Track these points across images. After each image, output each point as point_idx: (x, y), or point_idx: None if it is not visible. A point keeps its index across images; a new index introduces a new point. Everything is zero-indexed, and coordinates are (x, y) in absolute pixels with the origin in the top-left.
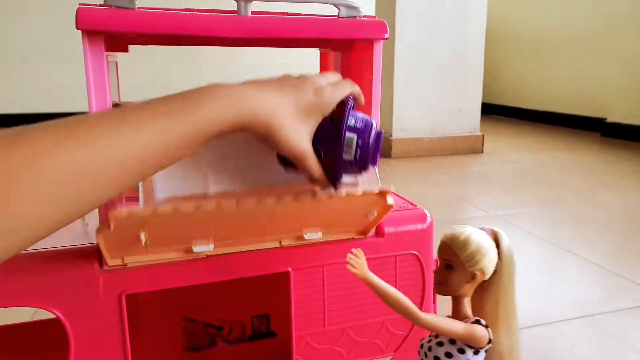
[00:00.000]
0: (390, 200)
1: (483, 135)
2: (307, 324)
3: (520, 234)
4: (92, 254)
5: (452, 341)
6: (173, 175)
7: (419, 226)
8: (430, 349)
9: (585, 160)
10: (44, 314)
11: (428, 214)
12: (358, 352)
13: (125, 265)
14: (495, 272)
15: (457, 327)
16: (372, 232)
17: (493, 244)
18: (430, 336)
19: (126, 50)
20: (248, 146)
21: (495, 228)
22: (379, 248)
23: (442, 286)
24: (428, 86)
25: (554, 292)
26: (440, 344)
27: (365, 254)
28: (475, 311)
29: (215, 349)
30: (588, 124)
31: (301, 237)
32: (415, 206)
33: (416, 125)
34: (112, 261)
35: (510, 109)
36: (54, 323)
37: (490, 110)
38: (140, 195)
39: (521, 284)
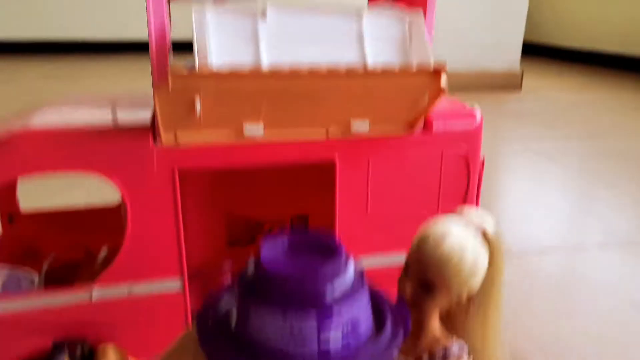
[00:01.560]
0: (443, 81)
1: (522, 71)
2: (350, 216)
3: (554, 167)
4: (146, 131)
5: None
6: (228, 43)
7: (469, 125)
8: None
9: (628, 99)
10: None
11: (478, 112)
12: (397, 245)
13: (178, 143)
14: (486, 286)
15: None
16: (420, 128)
17: (484, 250)
18: None
19: None
20: (307, 23)
21: (479, 218)
22: (426, 144)
23: (415, 310)
24: (467, 18)
25: (587, 221)
26: None
27: (411, 150)
28: (455, 330)
29: (255, 246)
30: (634, 64)
31: (348, 129)
32: (464, 105)
33: (452, 57)
34: (165, 136)
35: (553, 50)
36: (106, 210)
37: (532, 51)
38: (195, 58)
39: (556, 211)
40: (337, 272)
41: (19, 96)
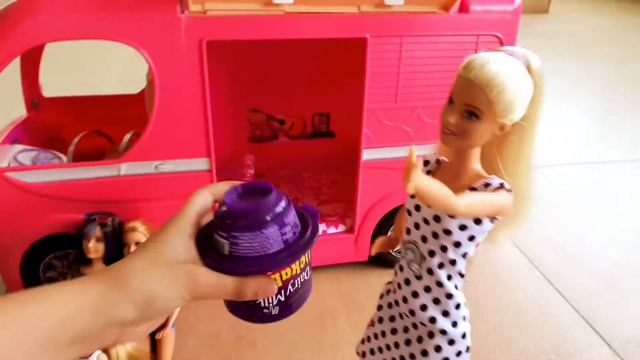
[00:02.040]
0: None
1: None
2: (379, 98)
3: (575, 86)
4: (174, 0)
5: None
6: None
7: (507, 7)
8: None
9: None
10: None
11: None
12: (425, 134)
13: (206, 12)
14: (529, 117)
15: (488, 208)
16: (456, 7)
17: (529, 78)
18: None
19: None
20: None
21: (524, 52)
22: (462, 25)
23: (457, 138)
24: None
25: (608, 136)
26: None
27: (446, 30)
28: (488, 163)
29: (276, 142)
30: None
31: (382, 4)
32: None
33: None
34: (193, 5)
35: None
36: (128, 99)
37: None
38: None
39: (576, 128)
40: (279, 199)
41: None
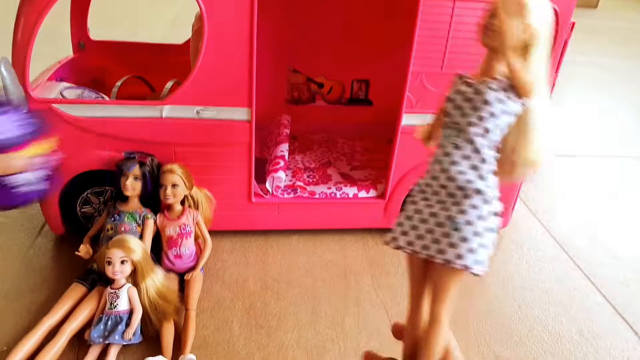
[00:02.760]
0: None
1: None
2: (425, 62)
3: (616, 80)
4: None
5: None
6: None
7: None
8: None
9: None
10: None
11: None
12: None
13: None
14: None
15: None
16: None
17: (548, 5)
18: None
19: None
20: None
21: None
22: None
23: (490, 35)
24: None
25: None
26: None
27: None
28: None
29: (313, 106)
30: None
31: None
32: None
33: None
34: None
35: None
36: (171, 49)
37: None
38: None
39: (610, 119)
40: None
41: None
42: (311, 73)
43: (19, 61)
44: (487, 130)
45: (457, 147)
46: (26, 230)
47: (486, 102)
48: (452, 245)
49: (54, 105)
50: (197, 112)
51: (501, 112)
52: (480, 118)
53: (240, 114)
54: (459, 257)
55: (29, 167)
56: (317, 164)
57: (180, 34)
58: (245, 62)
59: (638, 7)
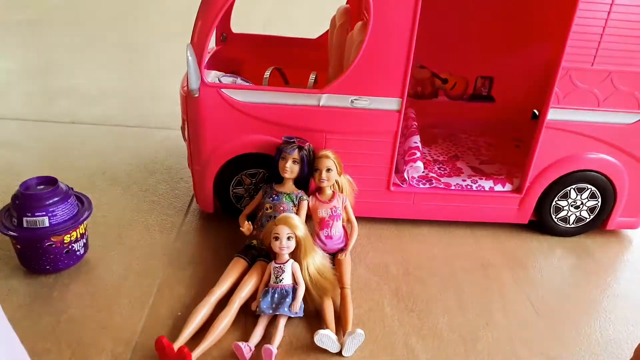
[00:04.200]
0: None
1: None
2: (577, 58)
3: None
4: None
5: None
6: None
7: None
8: None
9: None
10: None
11: None
12: (614, 101)
13: None
14: None
15: None
16: None
17: None
18: None
19: None
20: None
21: None
22: None
23: None
24: None
25: None
26: None
27: None
28: None
29: (435, 101)
30: None
31: None
32: None
33: None
34: None
35: None
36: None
37: None
38: None
39: None
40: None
41: None
42: (437, 68)
43: (199, 49)
44: None
45: None
46: (175, 208)
47: None
48: None
49: (222, 90)
50: (352, 102)
51: None
52: None
53: (391, 103)
54: None
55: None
56: (445, 156)
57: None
58: (404, 54)
59: None
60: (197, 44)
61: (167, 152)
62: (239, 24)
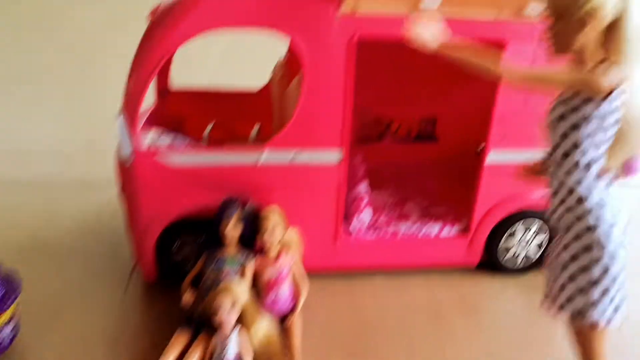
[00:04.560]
0: None
1: None
2: (510, 101)
3: None
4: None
5: (570, 102)
6: None
7: None
8: (553, 126)
9: None
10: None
11: None
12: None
13: (357, 12)
14: (620, 10)
15: (564, 73)
16: None
17: None
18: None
19: None
20: None
21: None
22: None
23: (555, 42)
24: None
25: None
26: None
27: None
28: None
29: (382, 143)
30: None
31: (521, 12)
32: None
33: None
34: (346, 4)
35: None
36: (249, 95)
37: None
38: None
39: None
40: None
41: None
42: (380, 112)
43: (131, 113)
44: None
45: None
46: (116, 279)
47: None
48: None
49: (157, 154)
50: (292, 157)
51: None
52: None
53: (333, 155)
54: None
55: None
56: (393, 200)
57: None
58: (341, 105)
59: None
60: (129, 108)
61: (113, 213)
62: (183, 77)
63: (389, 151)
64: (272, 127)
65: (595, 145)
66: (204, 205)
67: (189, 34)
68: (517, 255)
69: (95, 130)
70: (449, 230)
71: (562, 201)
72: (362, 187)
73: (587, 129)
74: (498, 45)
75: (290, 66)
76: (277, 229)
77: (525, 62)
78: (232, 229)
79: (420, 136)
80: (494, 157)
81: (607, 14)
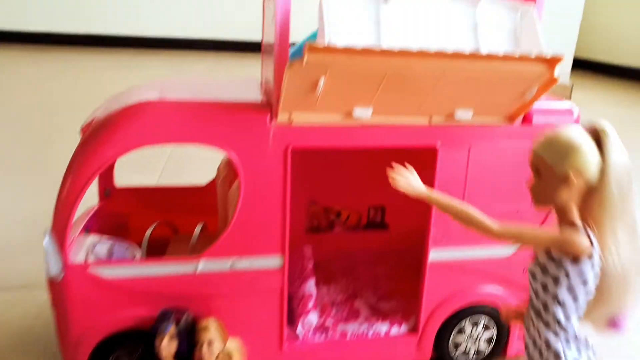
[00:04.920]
0: (557, 72)
1: (572, 84)
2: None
3: None
4: (263, 110)
5: (550, 255)
6: (351, 25)
7: (567, 118)
8: (534, 275)
9: None
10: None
11: (576, 108)
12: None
13: (292, 122)
14: (600, 175)
15: (540, 232)
16: (520, 120)
17: (590, 141)
18: (532, 260)
19: None
20: (426, 9)
21: (599, 123)
22: (525, 135)
23: (535, 196)
24: None
25: None
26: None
27: (510, 139)
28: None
29: (332, 233)
30: None
31: (451, 117)
32: (562, 101)
33: None
34: (281, 115)
35: (604, 66)
36: (194, 190)
37: (584, 66)
38: (324, 38)
39: None
40: None
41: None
42: (329, 203)
43: (60, 230)
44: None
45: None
46: None
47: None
48: None
49: (89, 268)
50: (231, 265)
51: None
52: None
53: (273, 261)
54: None
55: None
56: (343, 295)
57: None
58: (279, 213)
59: (610, 102)
60: (59, 223)
61: (48, 319)
62: (131, 177)
63: (339, 240)
64: (217, 224)
65: (576, 300)
66: (141, 318)
67: (122, 151)
68: (468, 351)
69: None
70: (398, 329)
71: (540, 353)
72: (310, 286)
73: (567, 283)
74: (430, 151)
75: (232, 166)
76: (215, 342)
77: (459, 170)
78: (167, 345)
79: (371, 224)
80: (435, 255)
81: (588, 178)
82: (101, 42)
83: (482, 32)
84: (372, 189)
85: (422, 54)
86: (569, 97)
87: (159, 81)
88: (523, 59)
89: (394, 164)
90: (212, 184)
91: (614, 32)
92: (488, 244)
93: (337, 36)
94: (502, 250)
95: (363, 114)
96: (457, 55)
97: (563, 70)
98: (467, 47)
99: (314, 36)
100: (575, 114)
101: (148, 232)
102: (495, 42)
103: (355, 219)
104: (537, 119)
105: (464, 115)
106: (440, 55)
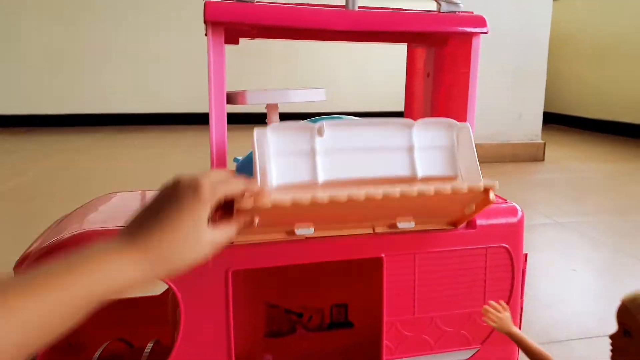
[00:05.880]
0: (492, 196)
1: (544, 142)
2: (397, 311)
3: (585, 242)
4: None
5: None
6: (286, 161)
7: (511, 219)
8: None
9: None
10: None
11: (519, 208)
12: (445, 341)
13: (232, 243)
14: None
15: None
16: (464, 223)
17: None
18: None
19: (237, 43)
20: (359, 139)
21: None
22: (470, 240)
23: (618, 353)
24: (488, 90)
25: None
26: None
27: (455, 245)
28: None
29: (294, 336)
30: None
31: (394, 226)
32: (505, 200)
33: (475, 129)
34: None
35: (573, 119)
36: (154, 300)
37: (552, 120)
38: (257, 178)
39: (586, 291)
40: None
41: (54, 169)
42: (289, 305)
43: None
44: None
45: None
46: None
47: None
48: None
49: None
50: None
51: None
52: None
53: None
54: None
55: None
56: None
57: None
58: (224, 333)
59: (582, 157)
60: None
61: None
62: None
63: (302, 343)
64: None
65: None
66: None
67: None
68: None
69: None
70: None
71: None
72: None
73: None
74: (376, 261)
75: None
76: None
77: (407, 277)
78: None
79: (334, 323)
80: None
81: None
82: (77, 121)
83: (418, 154)
84: (333, 287)
85: (351, 202)
86: (543, 157)
87: (106, 198)
88: (456, 192)
89: (491, 302)
90: (165, 292)
91: (578, 86)
92: (446, 349)
93: (271, 173)
94: (461, 355)
95: (305, 232)
96: (387, 198)
97: (534, 130)
98: (403, 172)
99: (249, 160)
100: (519, 213)
101: (97, 353)
102: (432, 163)
103: (317, 319)
104: (480, 222)
105: (406, 225)
106: (369, 199)
